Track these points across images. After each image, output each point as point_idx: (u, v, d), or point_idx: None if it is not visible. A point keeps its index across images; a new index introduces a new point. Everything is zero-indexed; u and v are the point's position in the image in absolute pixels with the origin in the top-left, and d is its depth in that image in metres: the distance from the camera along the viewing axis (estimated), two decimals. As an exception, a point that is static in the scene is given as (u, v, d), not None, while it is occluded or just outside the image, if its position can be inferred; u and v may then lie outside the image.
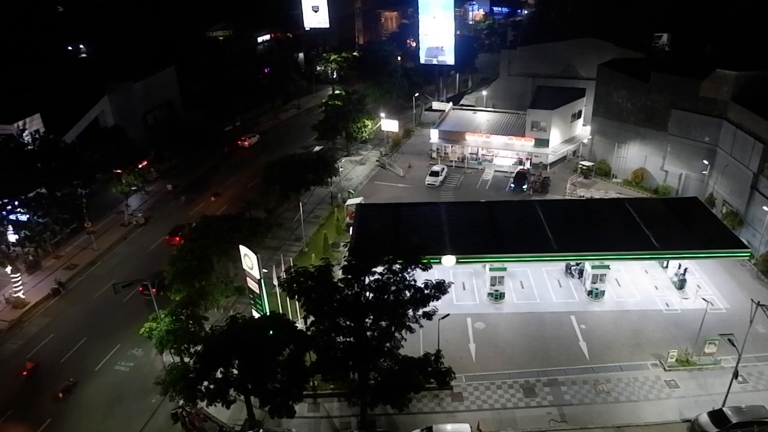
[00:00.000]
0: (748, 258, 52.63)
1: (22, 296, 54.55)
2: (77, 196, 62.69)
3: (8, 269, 54.46)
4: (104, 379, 45.34)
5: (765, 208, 53.30)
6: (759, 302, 36.89)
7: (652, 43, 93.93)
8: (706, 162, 62.65)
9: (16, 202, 57.32)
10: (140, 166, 71.48)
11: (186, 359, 40.08)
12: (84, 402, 43.23)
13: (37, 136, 64.04)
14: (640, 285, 52.73)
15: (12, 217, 57.53)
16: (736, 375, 38.15)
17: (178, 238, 61.93)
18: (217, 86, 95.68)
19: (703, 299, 45.06)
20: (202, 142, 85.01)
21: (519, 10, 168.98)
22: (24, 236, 57.91)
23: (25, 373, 45.48)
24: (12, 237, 57.87)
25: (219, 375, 35.70)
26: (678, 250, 49.89)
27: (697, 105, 62.54)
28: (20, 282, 54.90)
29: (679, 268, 52.20)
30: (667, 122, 65.57)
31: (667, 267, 53.88)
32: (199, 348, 37.34)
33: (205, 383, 35.43)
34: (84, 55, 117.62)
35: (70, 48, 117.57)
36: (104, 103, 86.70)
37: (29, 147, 61.77)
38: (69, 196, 61.51)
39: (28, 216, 58.35)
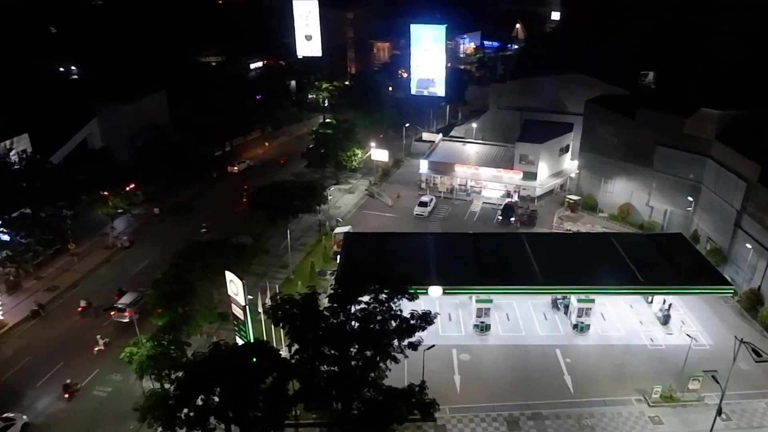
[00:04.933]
0: (731, 295, 53.08)
1: (1, 317, 53.51)
2: (62, 217, 62.07)
3: (-12, 289, 53.63)
4: (81, 404, 44.34)
5: (748, 245, 53.94)
6: (742, 339, 37.10)
7: (639, 81, 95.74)
8: (690, 199, 63.45)
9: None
10: (127, 188, 71.10)
11: (166, 385, 39.36)
12: (59, 427, 42.16)
13: (23, 155, 63.57)
14: (624, 319, 52.81)
15: (-6, 236, 56.89)
16: (719, 412, 38.10)
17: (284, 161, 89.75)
18: (207, 111, 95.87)
19: (687, 335, 45.27)
20: (190, 166, 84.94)
21: (509, 45, 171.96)
22: (5, 256, 57.11)
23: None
24: (-7, 257, 57.14)
25: (199, 402, 35.06)
26: (662, 286, 50.20)
27: (681, 142, 63.53)
28: (-1, 302, 54.00)
29: (664, 303, 52.40)
30: (652, 158, 66.51)
31: (651, 302, 54.06)
32: (180, 374, 36.70)
33: (185, 410, 34.74)
34: (75, 77, 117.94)
35: (61, 69, 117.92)
36: (93, 125, 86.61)
37: (15, 166, 61.28)
38: (53, 217, 60.90)
39: (10, 236, 57.58)
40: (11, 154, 64.74)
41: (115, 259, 65.32)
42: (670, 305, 52.32)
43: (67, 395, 44.73)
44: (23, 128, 72.88)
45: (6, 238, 57.57)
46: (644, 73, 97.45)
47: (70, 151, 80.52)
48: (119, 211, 69.19)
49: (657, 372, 45.98)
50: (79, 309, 55.24)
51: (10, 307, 55.58)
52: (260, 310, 46.32)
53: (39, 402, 44.46)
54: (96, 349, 48.90)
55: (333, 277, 52.74)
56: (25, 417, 42.45)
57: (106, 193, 66.79)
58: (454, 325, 52.60)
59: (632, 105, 68.87)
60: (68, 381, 45.66)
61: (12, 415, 42.16)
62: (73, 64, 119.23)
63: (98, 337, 49.61)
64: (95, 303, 55.68)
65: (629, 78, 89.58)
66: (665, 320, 51.87)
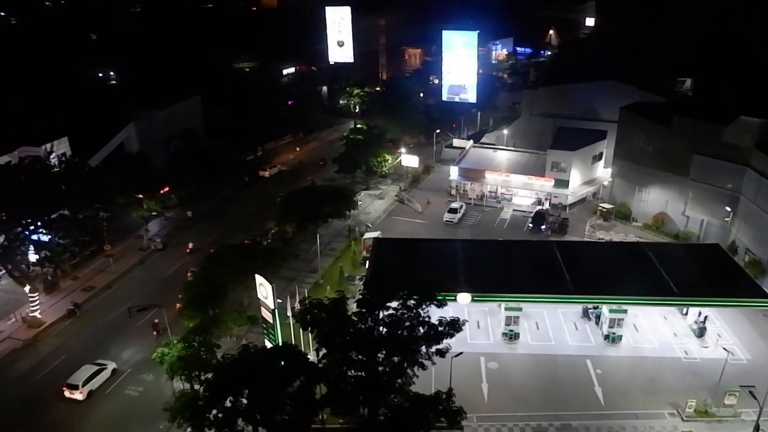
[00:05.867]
0: (770, 308, 51.63)
1: (39, 316, 54.95)
2: (98, 220, 63.54)
3: (27, 288, 55.08)
4: (113, 402, 45.27)
5: (788, 257, 52.46)
6: (781, 354, 36.03)
7: (675, 88, 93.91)
8: (728, 209, 61.92)
9: (39, 223, 58.24)
10: (161, 192, 72.47)
11: (196, 386, 39.90)
12: (91, 425, 43.09)
13: (63, 158, 65.28)
14: (658, 331, 51.74)
15: (34, 237, 58.39)
16: (757, 429, 37.11)
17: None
18: (239, 116, 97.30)
19: (724, 348, 44.08)
20: (223, 170, 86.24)
21: (542, 51, 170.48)
22: (44, 257, 58.65)
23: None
24: (32, 257, 58.68)
25: (228, 404, 35.43)
26: (698, 297, 49.11)
27: (719, 151, 62.11)
28: (37, 301, 55.36)
29: (699, 315, 51.21)
30: (688, 167, 65.13)
31: (686, 314, 52.88)
32: (209, 376, 37.18)
33: (214, 412, 35.15)
34: (114, 82, 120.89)
35: (100, 74, 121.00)
36: (130, 129, 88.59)
37: (55, 169, 62.98)
38: (90, 219, 62.34)
39: (49, 237, 59.16)
40: (51, 157, 66.50)
41: (149, 261, 66.57)
42: (705, 317, 51.12)
43: (155, 332, 51.58)
44: (63, 132, 75.00)
45: (45, 238, 59.14)
46: (681, 80, 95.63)
47: (107, 154, 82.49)
48: (153, 213, 70.57)
49: (691, 386, 44.92)
50: (188, 250, 66.23)
51: (48, 306, 57.06)
52: (289, 313, 46.65)
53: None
54: (178, 306, 50.25)
55: (362, 283, 52.86)
56: (114, 363, 48.45)
57: (141, 196, 68.18)
58: (483, 332, 52.21)
59: (668, 112, 67.62)
60: (156, 321, 51.85)
61: (104, 361, 48.36)
62: (111, 69, 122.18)
63: (180, 296, 50.65)
64: (197, 246, 66.12)
65: (665, 85, 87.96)
66: (700, 333, 50.67)
